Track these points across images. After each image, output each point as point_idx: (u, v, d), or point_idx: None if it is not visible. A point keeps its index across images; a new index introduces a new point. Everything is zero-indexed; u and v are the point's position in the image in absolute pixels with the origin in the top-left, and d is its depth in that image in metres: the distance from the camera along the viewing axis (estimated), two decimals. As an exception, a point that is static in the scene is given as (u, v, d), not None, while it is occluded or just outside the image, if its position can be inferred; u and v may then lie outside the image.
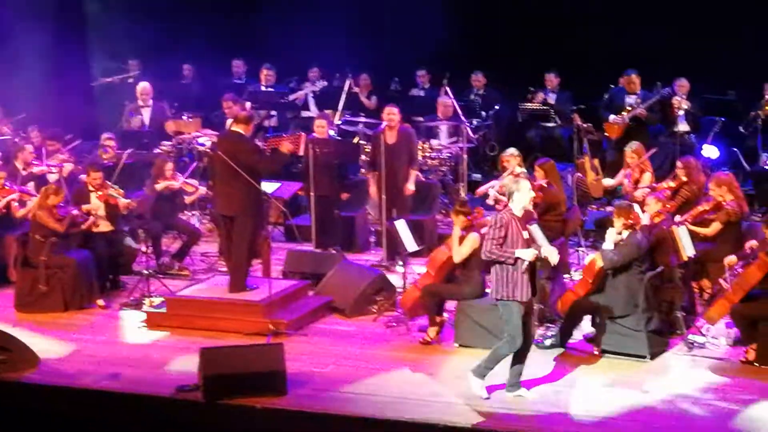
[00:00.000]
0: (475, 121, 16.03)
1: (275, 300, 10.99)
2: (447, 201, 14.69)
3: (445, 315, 10.65)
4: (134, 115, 15.78)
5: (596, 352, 10.05)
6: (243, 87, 16.67)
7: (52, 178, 13.25)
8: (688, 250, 10.63)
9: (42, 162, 13.44)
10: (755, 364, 9.75)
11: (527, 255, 8.92)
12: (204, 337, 10.57)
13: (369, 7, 16.83)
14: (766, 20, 15.33)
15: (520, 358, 9.12)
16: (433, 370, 9.86)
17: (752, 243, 10.51)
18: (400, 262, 11.97)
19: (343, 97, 15.92)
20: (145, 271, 11.81)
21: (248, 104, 15.75)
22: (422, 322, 10.71)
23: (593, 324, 10.22)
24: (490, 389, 9.14)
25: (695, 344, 10.20)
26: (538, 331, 10.05)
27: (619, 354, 9.96)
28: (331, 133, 13.91)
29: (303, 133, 12.45)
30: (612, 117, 14.79)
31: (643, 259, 10.02)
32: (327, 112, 15.24)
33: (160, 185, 12.81)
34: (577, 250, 12.54)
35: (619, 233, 10.02)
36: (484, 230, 9.87)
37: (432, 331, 10.47)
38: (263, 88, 16.39)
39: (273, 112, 16.45)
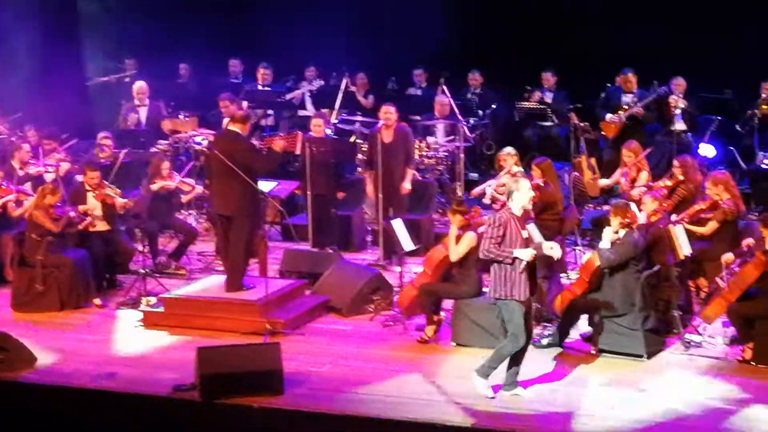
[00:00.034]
0: (472, 120, 16.01)
1: (272, 299, 10.98)
2: (444, 200, 14.69)
3: (442, 314, 10.65)
4: (131, 112, 15.76)
5: (593, 352, 10.06)
6: (240, 86, 16.66)
7: (48, 177, 13.23)
8: (684, 249, 10.63)
9: (39, 161, 13.43)
10: (752, 363, 9.76)
11: (525, 255, 8.91)
12: (201, 336, 10.57)
13: (366, 6, 16.83)
14: (762, 19, 15.34)
15: (517, 357, 9.12)
16: (430, 369, 9.85)
17: (749, 241, 10.53)
18: (397, 265, 11.98)
19: (340, 96, 15.91)
20: (142, 271, 11.80)
21: (245, 103, 15.75)
22: (419, 321, 10.71)
23: (590, 323, 10.23)
24: (494, 389, 9.15)
25: (692, 343, 10.20)
26: (535, 331, 10.05)
27: (616, 353, 9.95)
28: (328, 132, 13.90)
29: (300, 132, 12.43)
30: (609, 116, 14.80)
31: (639, 258, 10.02)
32: (324, 111, 15.23)
33: (155, 185, 12.80)
34: (574, 249, 12.55)
35: (616, 232, 10.02)
36: (481, 229, 9.87)
37: (429, 330, 10.47)
38: (260, 87, 16.38)
39: (270, 111, 16.44)
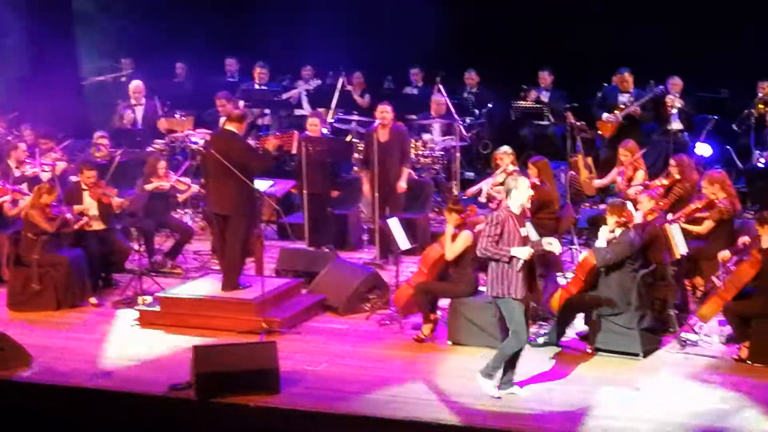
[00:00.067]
0: (468, 119, 16.01)
1: (268, 298, 10.98)
2: (440, 199, 14.69)
3: (439, 313, 10.65)
4: (127, 111, 15.74)
5: (589, 350, 10.06)
6: (236, 85, 16.65)
7: (45, 176, 13.22)
8: (680, 247, 10.63)
9: (35, 160, 13.41)
10: (748, 361, 9.76)
11: (522, 253, 8.90)
12: (197, 335, 10.56)
13: (362, 5, 16.82)
14: (759, 19, 15.35)
15: (513, 356, 9.11)
16: (426, 368, 9.85)
17: (745, 239, 10.53)
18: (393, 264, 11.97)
19: (337, 95, 15.92)
20: (138, 270, 11.79)
21: (241, 102, 15.73)
22: (415, 320, 10.71)
23: (586, 322, 10.23)
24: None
25: (688, 342, 10.21)
26: (532, 329, 10.05)
27: (612, 352, 9.96)
28: (324, 131, 13.90)
29: (296, 131, 12.41)
30: (605, 115, 14.79)
31: (635, 257, 10.02)
32: (320, 110, 15.23)
33: (150, 186, 12.79)
34: (570, 248, 12.54)
35: (612, 231, 10.02)
36: (478, 228, 9.87)
37: (426, 329, 10.47)
38: (256, 87, 16.36)
39: (266, 111, 16.42)
